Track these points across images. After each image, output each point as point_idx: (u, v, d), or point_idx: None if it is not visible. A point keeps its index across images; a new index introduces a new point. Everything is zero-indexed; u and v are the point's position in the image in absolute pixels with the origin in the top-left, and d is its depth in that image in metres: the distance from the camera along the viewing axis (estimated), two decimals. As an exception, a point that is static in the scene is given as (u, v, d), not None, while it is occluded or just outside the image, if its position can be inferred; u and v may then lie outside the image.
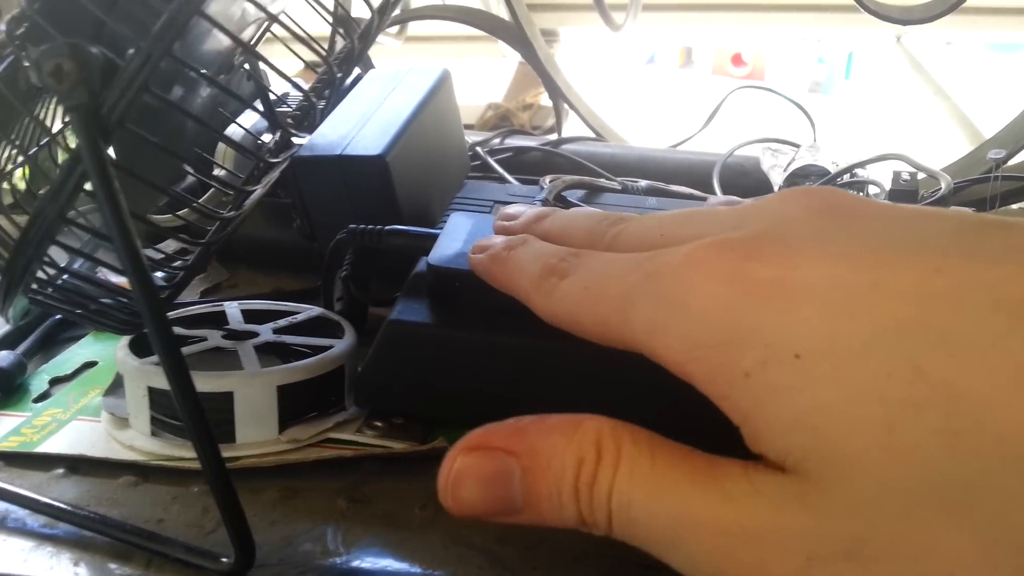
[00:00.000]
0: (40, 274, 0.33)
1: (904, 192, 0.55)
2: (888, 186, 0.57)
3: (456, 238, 0.39)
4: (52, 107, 0.38)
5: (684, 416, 0.37)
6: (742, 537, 0.22)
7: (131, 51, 0.27)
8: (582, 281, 0.28)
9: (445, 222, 0.41)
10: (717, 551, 0.22)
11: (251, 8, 0.38)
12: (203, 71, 0.32)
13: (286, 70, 0.37)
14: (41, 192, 0.32)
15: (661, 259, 0.26)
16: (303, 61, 0.41)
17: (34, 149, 0.37)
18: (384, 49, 0.95)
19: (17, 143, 0.33)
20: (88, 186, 0.28)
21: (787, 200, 0.27)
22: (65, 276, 0.35)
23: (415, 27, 0.96)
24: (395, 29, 0.92)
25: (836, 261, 0.23)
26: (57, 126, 0.36)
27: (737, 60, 1.96)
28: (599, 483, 0.24)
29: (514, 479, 0.25)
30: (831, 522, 0.21)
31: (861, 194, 0.59)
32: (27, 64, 0.33)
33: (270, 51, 0.44)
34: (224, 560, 0.32)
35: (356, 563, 0.33)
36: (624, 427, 0.25)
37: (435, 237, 0.40)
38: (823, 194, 0.26)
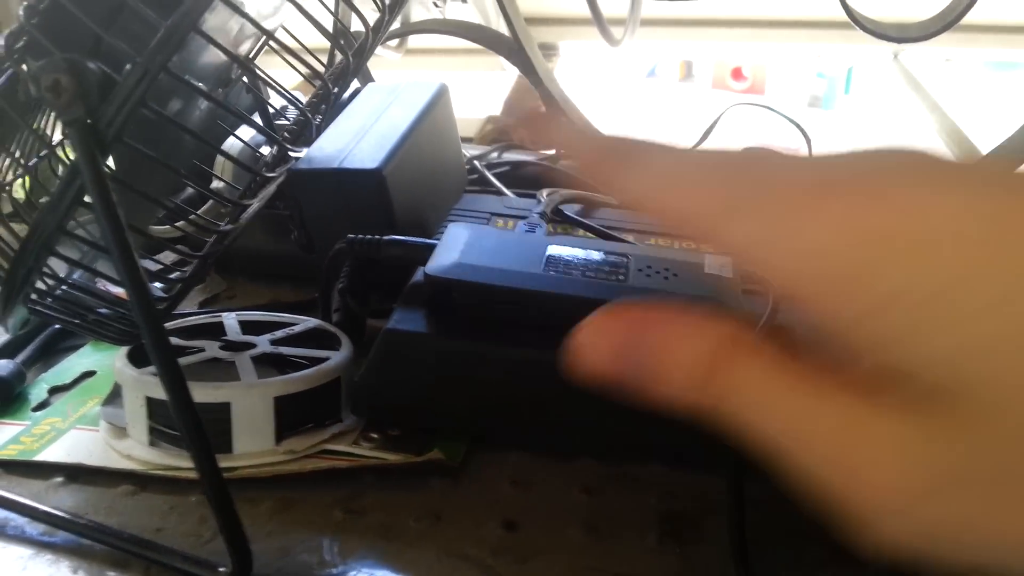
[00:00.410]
0: (39, 284, 0.34)
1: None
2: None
3: (453, 248, 0.40)
4: (52, 119, 0.39)
5: (677, 428, 0.38)
6: (883, 453, 0.21)
7: (128, 66, 0.28)
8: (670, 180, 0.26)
9: (442, 233, 0.42)
10: (845, 466, 0.22)
11: (248, 23, 0.38)
12: (200, 86, 0.33)
13: (285, 82, 0.38)
14: (40, 203, 0.33)
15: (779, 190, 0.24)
16: (301, 74, 0.42)
17: (33, 161, 0.37)
18: (384, 62, 0.96)
19: (16, 155, 0.33)
20: (87, 198, 0.29)
21: (891, 154, 0.26)
22: (64, 287, 0.36)
23: (415, 40, 0.96)
24: (395, 42, 0.93)
25: (970, 199, 0.22)
26: (56, 138, 0.37)
27: (737, 74, 1.96)
28: (726, 374, 0.23)
29: (646, 350, 0.24)
30: (983, 450, 0.20)
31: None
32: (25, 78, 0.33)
33: (270, 63, 0.44)
34: (221, 570, 0.32)
35: (352, 574, 0.33)
36: (763, 331, 0.24)
37: (432, 247, 0.40)
38: (920, 149, 0.26)
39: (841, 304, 0.22)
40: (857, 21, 0.67)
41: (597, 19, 0.90)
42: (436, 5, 0.86)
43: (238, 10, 0.29)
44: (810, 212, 0.23)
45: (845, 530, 0.22)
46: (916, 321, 0.21)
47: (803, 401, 0.22)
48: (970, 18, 0.60)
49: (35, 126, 0.35)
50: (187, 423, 0.31)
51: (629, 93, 1.76)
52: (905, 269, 0.22)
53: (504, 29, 0.82)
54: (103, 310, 0.37)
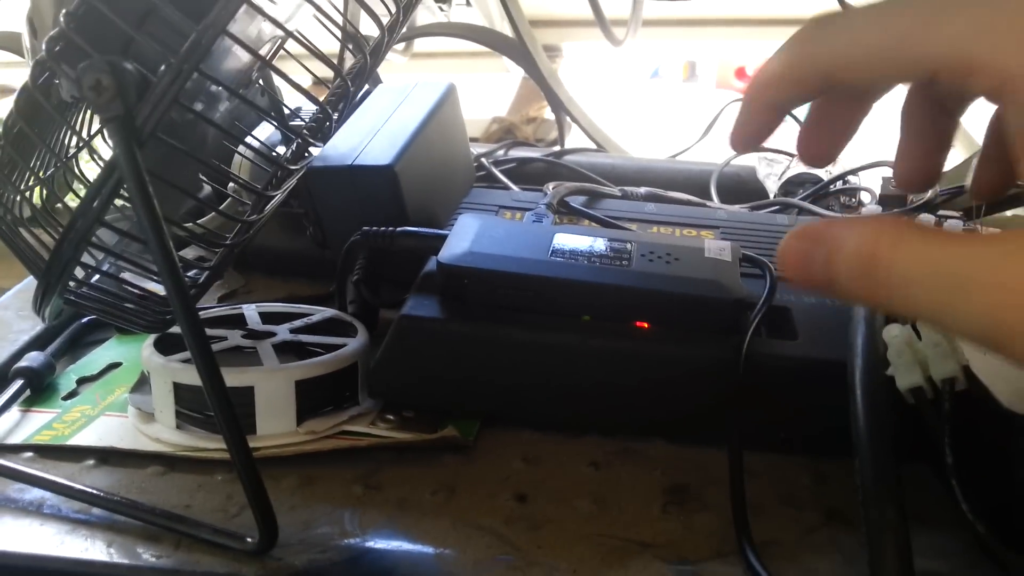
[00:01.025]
0: (74, 276, 0.36)
1: (893, 198, 0.58)
2: (879, 192, 0.59)
3: (465, 237, 0.41)
4: (81, 121, 0.41)
5: (680, 407, 0.40)
6: (1018, 283, 0.23)
7: (163, 67, 0.30)
8: (869, 6, 0.27)
9: (453, 224, 0.44)
10: (992, 304, 0.23)
11: (266, 28, 0.40)
12: (227, 84, 0.35)
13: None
14: (68, 201, 0.35)
15: None
16: (314, 76, 0.44)
17: (65, 158, 0.39)
18: (391, 65, 0.98)
19: (55, 150, 0.35)
20: (123, 192, 0.31)
21: None
22: (96, 277, 0.38)
23: (421, 44, 0.98)
24: (402, 46, 0.95)
25: None
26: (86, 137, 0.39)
27: (740, 74, 1.98)
28: (881, 259, 0.25)
29: (820, 259, 0.27)
30: None
31: (853, 200, 0.62)
32: (61, 79, 0.35)
33: (282, 67, 0.46)
34: (249, 540, 0.34)
35: (371, 544, 0.35)
36: (898, 221, 0.26)
37: (444, 237, 0.42)
38: None
39: None
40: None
41: (600, 20, 0.92)
42: (441, 9, 0.88)
43: (262, 12, 0.31)
44: None
45: (1012, 359, 0.23)
46: None
47: (957, 252, 0.24)
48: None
49: (70, 123, 0.37)
50: (220, 405, 0.33)
51: (633, 94, 1.78)
52: None
53: (508, 31, 0.84)
54: (132, 302, 0.39)
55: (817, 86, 0.29)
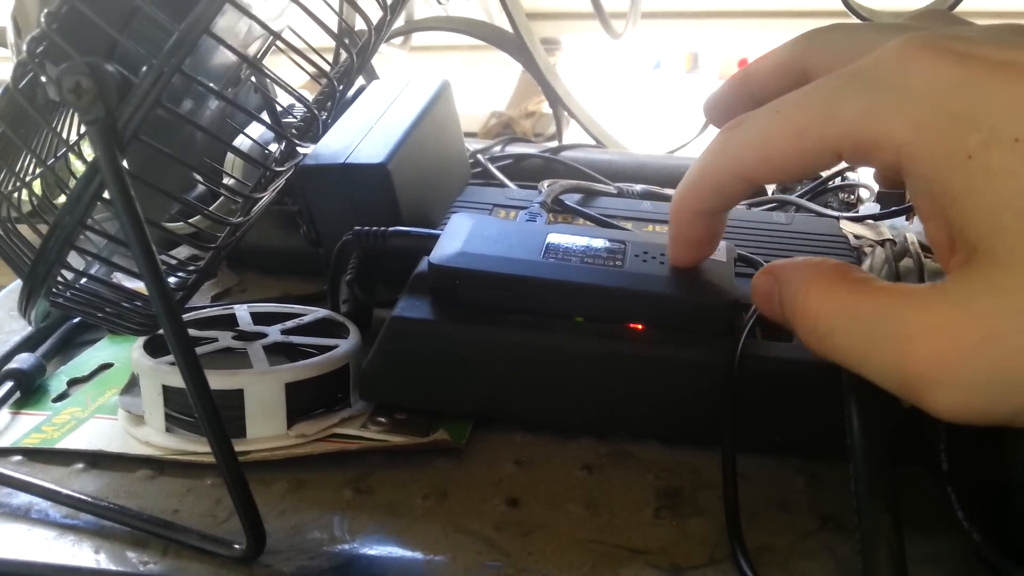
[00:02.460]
0: (60, 278, 0.35)
1: (891, 194, 0.57)
2: (877, 188, 0.59)
3: (456, 238, 0.41)
4: (67, 120, 0.40)
5: (674, 409, 0.39)
6: (922, 335, 0.24)
7: (144, 68, 0.29)
8: (771, 107, 0.29)
9: (446, 224, 0.43)
10: (901, 354, 0.25)
11: (256, 24, 0.39)
12: (212, 86, 0.34)
13: (291, 81, 0.39)
14: (59, 200, 0.34)
15: (869, 57, 0.27)
16: (308, 73, 0.43)
17: (51, 160, 0.39)
18: (390, 59, 0.97)
19: (37, 152, 0.35)
20: (106, 194, 0.30)
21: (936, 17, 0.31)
22: (83, 280, 0.37)
23: (419, 37, 0.97)
24: (399, 40, 0.94)
25: None
26: (72, 138, 0.38)
27: (743, 65, 1.97)
28: (810, 307, 0.28)
29: (777, 298, 0.30)
30: (1011, 298, 0.23)
31: (852, 197, 0.61)
32: (44, 80, 0.35)
33: (276, 62, 0.45)
34: (237, 547, 0.34)
35: (361, 549, 0.35)
36: (833, 269, 0.28)
37: (436, 237, 0.42)
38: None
39: (942, 149, 0.24)
40: (853, 10, 0.68)
41: (598, 12, 0.92)
42: (439, 2, 0.87)
43: (247, 12, 0.31)
44: (915, 64, 0.25)
45: (922, 408, 0.25)
46: (992, 170, 0.24)
47: (874, 304, 0.26)
48: (966, 6, 0.61)
49: (52, 126, 0.36)
50: (204, 408, 0.32)
51: (636, 85, 1.77)
52: (999, 111, 0.24)
53: (506, 25, 0.84)
54: (122, 303, 0.39)
55: (739, 189, 0.31)
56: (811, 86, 0.28)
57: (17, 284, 0.56)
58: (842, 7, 0.69)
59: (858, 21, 0.30)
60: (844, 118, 0.26)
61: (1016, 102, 0.24)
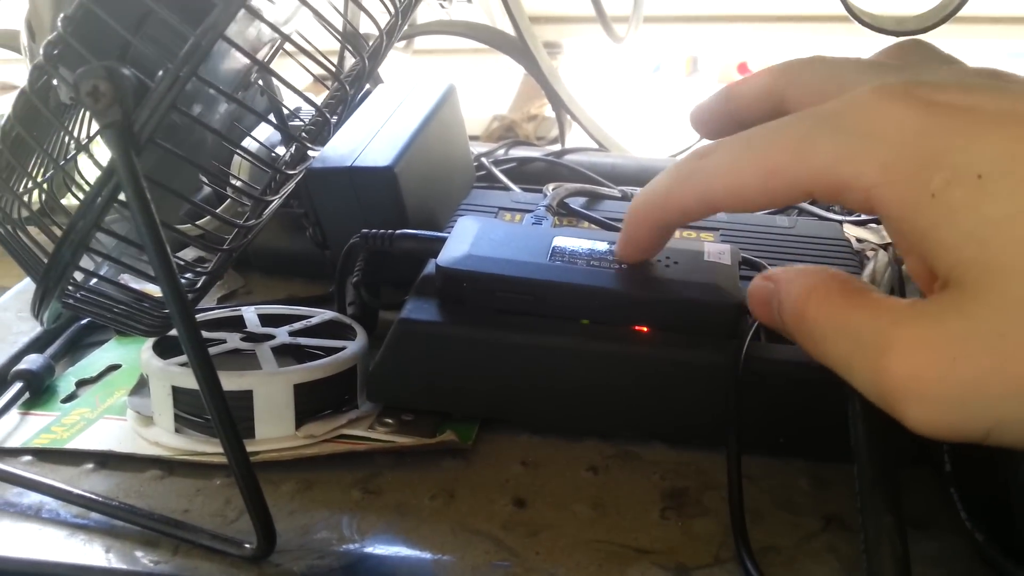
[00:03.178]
0: (72, 280, 0.36)
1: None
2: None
3: (463, 240, 0.41)
4: (79, 122, 0.41)
5: (679, 411, 0.40)
6: (899, 352, 0.25)
7: (160, 72, 0.30)
8: (744, 140, 0.30)
9: (452, 226, 0.43)
10: (878, 367, 0.26)
11: (265, 29, 0.40)
12: (224, 90, 0.34)
13: (297, 84, 0.39)
14: (66, 202, 0.35)
15: (842, 101, 0.28)
16: (315, 77, 0.44)
17: (62, 162, 0.39)
18: (393, 62, 0.97)
19: (52, 154, 0.35)
20: (121, 196, 0.31)
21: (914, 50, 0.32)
22: (94, 281, 0.38)
23: (422, 41, 0.98)
24: (403, 44, 0.95)
25: (1012, 97, 0.26)
26: (83, 140, 0.39)
27: (743, 69, 1.98)
28: (807, 315, 0.29)
29: (775, 304, 0.31)
30: (978, 323, 0.24)
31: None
32: (57, 83, 0.35)
33: (281, 66, 0.46)
34: (247, 546, 0.34)
35: (370, 549, 0.35)
36: (832, 278, 0.29)
37: (443, 240, 0.42)
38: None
39: (909, 191, 0.26)
40: (855, 15, 0.68)
41: (600, 16, 0.92)
42: (442, 6, 0.87)
43: (260, 16, 0.31)
44: (883, 111, 0.27)
45: (898, 420, 0.26)
46: (955, 205, 0.25)
47: (862, 316, 0.27)
48: (968, 10, 0.62)
49: (67, 128, 0.37)
50: (217, 410, 0.33)
51: (636, 88, 1.77)
52: (961, 150, 0.25)
53: (509, 28, 0.84)
54: (132, 304, 0.39)
55: (701, 212, 0.32)
56: (783, 122, 0.29)
57: (23, 285, 0.57)
58: (842, 11, 0.69)
59: (838, 57, 0.31)
60: (815, 161, 0.28)
61: (978, 142, 0.25)
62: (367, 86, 0.57)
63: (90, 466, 0.40)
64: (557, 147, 0.77)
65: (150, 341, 0.42)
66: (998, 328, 0.24)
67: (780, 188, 0.29)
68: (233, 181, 0.49)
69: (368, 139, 0.50)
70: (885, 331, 0.26)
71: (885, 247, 0.50)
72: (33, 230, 0.36)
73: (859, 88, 0.28)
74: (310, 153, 0.42)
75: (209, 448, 0.40)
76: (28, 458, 0.41)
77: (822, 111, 0.28)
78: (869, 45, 0.38)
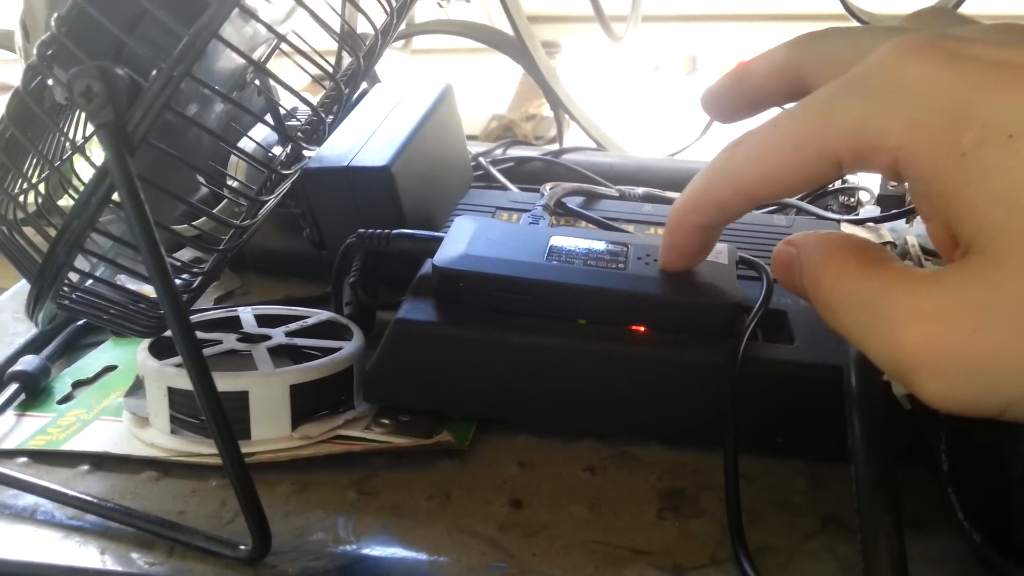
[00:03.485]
0: (66, 281, 0.35)
1: (892, 197, 0.57)
2: (877, 191, 0.59)
3: (460, 240, 0.41)
4: (74, 123, 0.40)
5: (676, 411, 0.39)
6: (915, 322, 0.25)
7: (154, 72, 0.30)
8: (770, 123, 0.29)
9: (449, 226, 0.43)
10: (893, 338, 0.25)
11: (262, 28, 0.40)
12: (219, 90, 0.34)
13: (294, 84, 0.39)
14: (62, 202, 0.35)
15: (864, 63, 0.27)
16: (310, 75, 0.43)
17: (57, 163, 0.39)
18: (390, 62, 0.97)
19: (46, 155, 0.35)
20: (115, 197, 0.31)
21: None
22: (90, 282, 0.38)
23: (420, 40, 0.98)
24: (400, 43, 0.94)
25: None
26: (78, 141, 0.38)
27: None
28: (824, 283, 0.28)
29: (796, 268, 0.30)
30: (1002, 291, 0.23)
31: (852, 200, 0.61)
32: (51, 83, 0.35)
33: (278, 66, 0.46)
34: (242, 548, 0.34)
35: (366, 550, 0.35)
36: (851, 246, 0.28)
37: (440, 240, 0.42)
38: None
39: (937, 149, 0.25)
40: (854, 14, 0.68)
41: (599, 15, 0.92)
42: (440, 5, 0.87)
43: (255, 16, 0.31)
44: (908, 65, 0.26)
45: (914, 393, 0.25)
46: (985, 166, 0.24)
47: (877, 286, 0.26)
48: (968, 10, 0.61)
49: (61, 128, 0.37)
50: (212, 411, 0.33)
51: (635, 87, 1.77)
52: (993, 109, 0.24)
53: (507, 28, 0.84)
54: (128, 305, 0.39)
55: (740, 206, 0.32)
56: (808, 99, 0.28)
57: (19, 286, 0.57)
58: (841, 10, 0.69)
59: (855, 24, 0.30)
60: (841, 125, 0.27)
61: (1009, 100, 0.24)
62: (364, 85, 0.57)
63: (86, 467, 0.40)
64: (555, 147, 0.77)
65: (146, 342, 0.42)
66: (1023, 297, 0.23)
67: (810, 161, 0.28)
68: (229, 181, 0.49)
69: (365, 139, 0.50)
70: (901, 301, 0.25)
71: (884, 247, 0.49)
72: (29, 231, 0.36)
73: (882, 47, 0.26)
74: (306, 153, 0.42)
75: (205, 449, 0.39)
76: (24, 459, 0.41)
77: (845, 77, 0.27)
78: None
